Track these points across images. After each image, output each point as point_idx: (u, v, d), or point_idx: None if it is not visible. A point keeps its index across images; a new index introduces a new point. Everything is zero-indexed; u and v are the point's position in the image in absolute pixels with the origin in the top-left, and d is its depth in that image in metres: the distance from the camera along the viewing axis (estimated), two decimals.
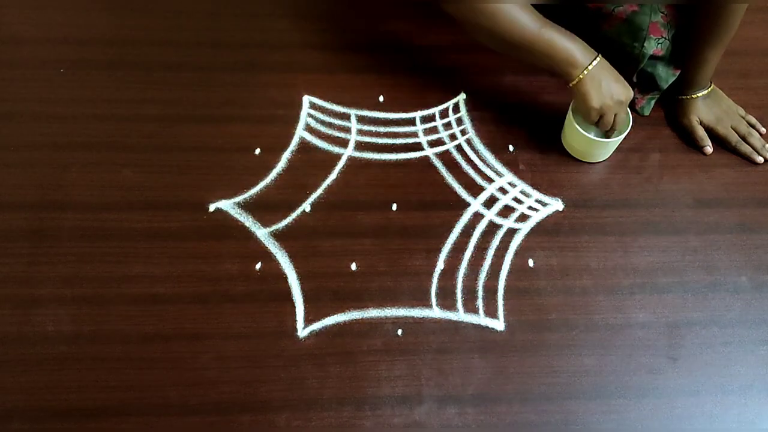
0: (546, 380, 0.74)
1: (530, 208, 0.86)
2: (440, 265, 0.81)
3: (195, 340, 0.74)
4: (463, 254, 0.82)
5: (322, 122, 0.92)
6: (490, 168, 0.89)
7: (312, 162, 0.88)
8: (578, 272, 0.81)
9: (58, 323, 0.74)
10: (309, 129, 0.91)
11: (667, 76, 0.89)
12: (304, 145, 0.90)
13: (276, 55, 0.98)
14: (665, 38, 0.85)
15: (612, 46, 0.84)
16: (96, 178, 0.85)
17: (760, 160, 0.91)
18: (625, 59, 0.85)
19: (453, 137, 0.92)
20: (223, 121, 0.91)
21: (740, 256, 0.83)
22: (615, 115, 0.81)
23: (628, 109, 0.85)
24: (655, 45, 0.84)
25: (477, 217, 0.85)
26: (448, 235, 0.83)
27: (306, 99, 0.94)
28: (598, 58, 0.78)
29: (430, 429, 0.70)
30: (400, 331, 0.76)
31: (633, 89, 0.91)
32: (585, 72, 0.77)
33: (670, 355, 0.76)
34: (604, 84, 0.78)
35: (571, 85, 0.79)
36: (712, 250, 0.84)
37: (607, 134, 0.85)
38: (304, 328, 0.76)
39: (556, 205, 0.86)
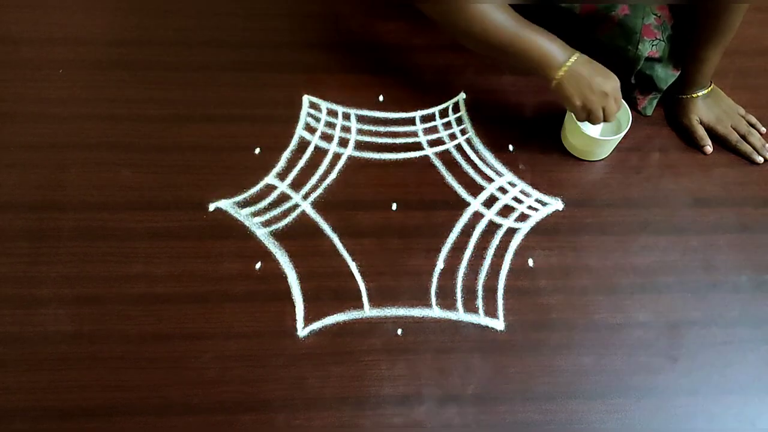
0: (546, 380, 0.74)
1: (530, 207, 0.86)
2: (440, 265, 0.81)
3: (195, 339, 0.74)
4: (463, 254, 0.82)
5: (322, 122, 0.92)
6: (490, 167, 0.89)
7: (312, 162, 0.88)
8: (578, 272, 0.81)
9: (58, 323, 0.74)
10: (309, 129, 0.91)
11: (666, 76, 0.89)
12: (304, 144, 0.90)
13: (276, 55, 0.98)
14: (660, 39, 0.85)
15: (607, 50, 0.84)
16: (95, 178, 0.85)
17: (760, 159, 0.91)
18: (621, 62, 0.85)
19: (453, 137, 0.92)
20: (223, 120, 0.91)
21: (740, 256, 0.83)
22: (604, 108, 0.79)
23: (628, 108, 0.85)
24: (649, 47, 0.84)
25: (477, 216, 0.85)
26: (448, 234, 0.83)
27: (306, 99, 0.94)
28: (575, 56, 0.76)
29: (431, 429, 0.70)
30: (400, 331, 0.76)
31: (633, 91, 0.91)
32: (563, 71, 0.76)
33: (670, 354, 0.76)
34: (583, 80, 0.76)
35: (552, 86, 0.78)
36: (712, 250, 0.84)
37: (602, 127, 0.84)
38: (304, 327, 0.76)
39: (555, 204, 0.86)
